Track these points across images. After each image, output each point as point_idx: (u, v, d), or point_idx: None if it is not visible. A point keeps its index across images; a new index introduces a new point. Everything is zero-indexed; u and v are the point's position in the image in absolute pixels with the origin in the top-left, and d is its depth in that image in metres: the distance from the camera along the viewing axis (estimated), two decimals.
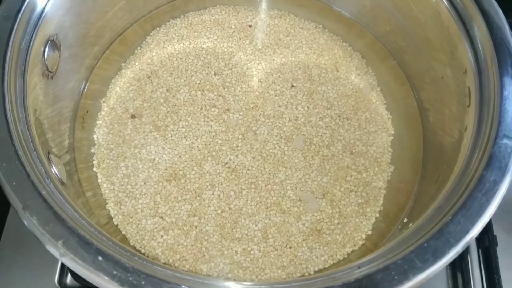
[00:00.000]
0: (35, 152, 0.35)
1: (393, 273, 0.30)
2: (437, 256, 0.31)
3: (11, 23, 0.38)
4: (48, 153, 0.40)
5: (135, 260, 0.31)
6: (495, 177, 0.33)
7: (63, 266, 0.49)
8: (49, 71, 0.43)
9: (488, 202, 0.32)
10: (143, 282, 0.29)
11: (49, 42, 0.42)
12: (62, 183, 0.39)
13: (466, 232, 0.32)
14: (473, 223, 0.32)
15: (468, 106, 0.40)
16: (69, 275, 0.49)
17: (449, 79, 0.44)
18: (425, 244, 0.31)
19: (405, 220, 0.46)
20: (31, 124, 0.37)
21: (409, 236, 0.33)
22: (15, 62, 0.37)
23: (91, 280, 0.30)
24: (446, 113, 0.45)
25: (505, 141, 0.34)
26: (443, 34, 0.44)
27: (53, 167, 0.38)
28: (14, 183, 0.32)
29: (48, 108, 0.44)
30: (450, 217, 0.32)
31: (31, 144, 0.35)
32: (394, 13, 0.52)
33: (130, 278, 0.29)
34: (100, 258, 0.30)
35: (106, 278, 0.29)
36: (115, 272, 0.29)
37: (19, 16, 0.38)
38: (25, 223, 0.31)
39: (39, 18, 0.40)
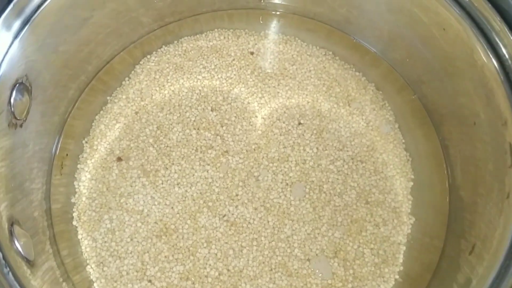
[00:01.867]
0: None
1: None
2: None
3: None
4: (12, 224, 0.33)
5: None
6: None
7: None
8: (17, 119, 0.37)
9: None
10: None
11: (16, 85, 0.36)
12: (27, 261, 0.33)
13: None
14: None
15: (510, 166, 0.33)
16: None
17: (483, 127, 0.38)
18: None
19: None
20: None
21: None
22: None
23: None
24: (479, 167, 0.39)
25: None
26: (476, 74, 0.38)
27: (16, 242, 0.32)
28: None
29: (16, 159, 0.38)
30: None
31: None
32: (415, 42, 0.46)
33: None
34: None
35: None
36: None
37: None
38: None
39: (2, 60, 0.34)
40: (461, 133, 0.43)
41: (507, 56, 0.35)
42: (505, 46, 0.35)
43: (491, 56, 0.36)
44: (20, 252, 0.32)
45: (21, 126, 0.37)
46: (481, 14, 0.36)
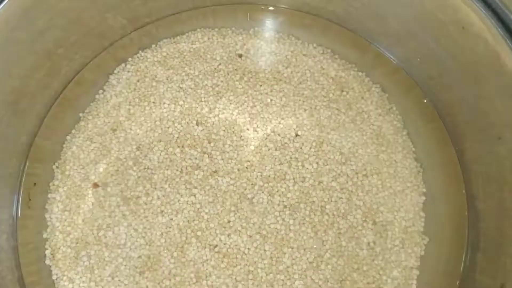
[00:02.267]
0: None
1: None
2: None
3: None
4: None
5: None
6: None
7: None
8: None
9: None
10: None
11: None
12: None
13: None
14: None
15: None
16: None
17: (510, 143, 0.33)
18: None
19: None
20: None
21: None
22: None
23: None
24: (504, 191, 0.34)
25: None
26: (502, 80, 0.32)
27: None
28: None
29: None
30: None
31: None
32: (427, 40, 0.40)
33: None
34: None
35: None
36: None
37: None
38: None
39: None
40: (482, 147, 0.37)
41: None
42: None
43: None
44: None
45: None
46: (508, 10, 0.30)
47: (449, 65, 0.38)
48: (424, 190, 0.42)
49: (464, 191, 0.42)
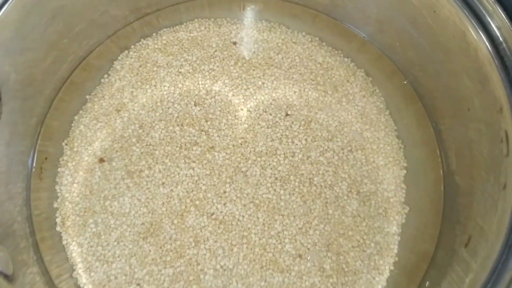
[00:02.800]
0: None
1: None
2: None
3: None
4: None
5: None
6: None
7: None
8: None
9: None
10: None
11: None
12: (6, 276, 0.31)
13: None
14: None
15: (506, 155, 0.32)
16: None
17: (477, 113, 0.37)
18: None
19: (427, 283, 0.39)
20: None
21: None
22: None
23: None
24: (474, 156, 0.38)
25: None
26: (470, 58, 0.36)
27: None
28: None
29: None
30: None
31: None
32: (405, 25, 0.44)
33: None
34: None
35: None
36: None
37: None
38: None
39: None
40: (455, 119, 0.41)
41: (501, 39, 0.33)
42: (498, 28, 0.33)
43: (484, 39, 0.34)
44: None
45: None
46: None
47: (424, 47, 0.42)
48: (405, 164, 0.46)
49: (441, 165, 0.45)
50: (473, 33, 0.34)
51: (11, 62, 0.37)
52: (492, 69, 0.33)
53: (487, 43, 0.33)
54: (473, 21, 0.34)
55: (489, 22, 0.33)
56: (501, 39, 0.32)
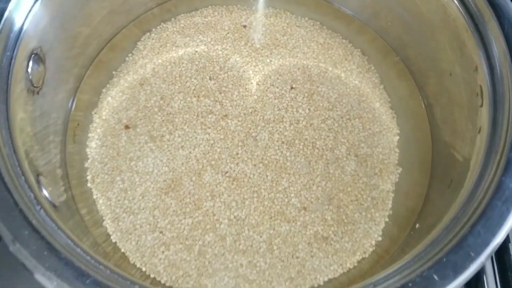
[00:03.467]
0: (23, 177, 0.33)
1: None
2: (457, 271, 0.29)
3: None
4: (38, 175, 0.37)
5: None
6: None
7: None
8: (35, 86, 0.41)
9: (508, 210, 0.30)
10: None
11: (32, 56, 0.40)
12: (54, 206, 0.37)
13: (487, 244, 0.30)
14: (493, 234, 0.30)
15: (481, 106, 0.37)
16: None
17: (458, 76, 0.42)
18: (444, 259, 0.29)
19: (417, 225, 0.44)
20: (18, 146, 0.35)
21: (425, 249, 0.31)
22: None
23: None
24: (455, 113, 0.43)
25: None
26: (450, 29, 0.42)
27: (43, 190, 0.36)
28: (2, 213, 0.30)
29: (36, 124, 0.41)
30: (469, 229, 0.30)
31: (18, 168, 0.33)
32: (395, 6, 0.50)
33: None
34: None
35: None
36: None
37: None
38: (16, 255, 0.29)
39: (19, 33, 0.37)
40: (440, 85, 0.47)
41: (474, 8, 0.39)
42: (473, 0, 0.39)
43: (461, 10, 0.40)
44: (47, 197, 0.36)
45: (38, 93, 0.41)
46: None
47: (411, 24, 0.48)
48: (398, 131, 0.51)
49: (429, 131, 0.51)
50: (452, 6, 0.40)
51: (54, 32, 0.42)
52: (468, 35, 0.39)
53: (463, 13, 0.39)
54: None
55: None
56: (474, 8, 0.38)
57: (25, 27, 0.38)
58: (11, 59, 0.36)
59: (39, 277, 0.29)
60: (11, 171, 0.32)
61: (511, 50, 0.35)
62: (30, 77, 0.40)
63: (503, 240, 0.30)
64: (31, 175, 0.34)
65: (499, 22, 0.36)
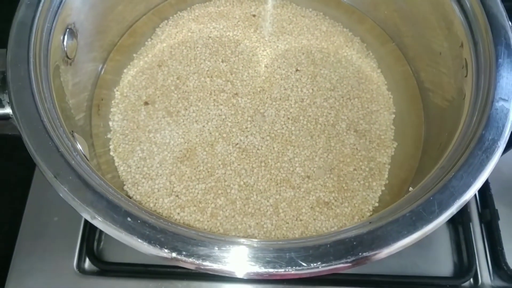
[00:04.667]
0: (61, 128, 0.37)
1: (402, 224, 0.32)
2: (442, 208, 0.33)
3: (34, 10, 0.40)
4: (72, 131, 0.42)
5: (161, 222, 0.33)
6: (493, 136, 0.36)
7: (81, 251, 0.51)
8: (68, 58, 0.45)
9: (488, 158, 0.35)
10: (171, 239, 0.31)
11: (67, 29, 0.45)
12: (86, 158, 0.41)
13: (469, 185, 0.34)
14: (474, 177, 0.34)
15: (466, 76, 0.42)
16: (87, 260, 0.51)
17: (447, 54, 0.47)
18: (431, 198, 0.34)
19: (410, 188, 0.48)
20: (56, 104, 0.39)
21: (415, 193, 0.35)
22: (39, 46, 0.40)
23: (122, 240, 0.32)
24: (445, 87, 0.48)
25: (501, 103, 0.37)
26: (439, 11, 0.47)
27: (78, 144, 0.41)
28: (45, 155, 0.34)
29: (68, 93, 0.46)
30: (453, 174, 0.35)
31: (57, 121, 0.37)
32: None
33: (159, 236, 0.31)
34: (129, 219, 0.32)
35: (136, 237, 0.31)
36: (144, 231, 0.32)
37: (41, 4, 0.41)
38: (57, 190, 0.34)
39: (58, 6, 0.42)
40: (432, 65, 0.51)
41: None
42: None
43: None
44: (81, 151, 0.40)
45: (71, 64, 0.46)
46: None
47: (406, 12, 0.53)
48: (394, 110, 0.56)
49: (422, 110, 0.55)
50: None
51: (86, 11, 0.48)
52: (455, 15, 0.44)
53: None
54: None
55: None
56: None
57: (63, 3, 0.43)
58: (51, 30, 0.41)
59: (78, 208, 0.33)
60: (52, 122, 0.36)
61: (492, 25, 0.40)
62: (65, 48, 0.44)
63: (483, 183, 0.34)
64: (67, 130, 0.39)
65: (481, 1, 0.41)
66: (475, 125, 0.37)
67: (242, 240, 0.33)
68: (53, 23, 0.42)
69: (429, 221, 0.33)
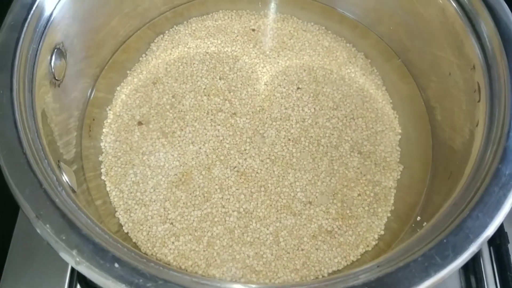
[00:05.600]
0: (46, 160, 0.35)
1: (413, 270, 0.30)
2: (457, 252, 0.30)
3: (18, 32, 0.38)
4: (58, 161, 0.39)
5: (152, 266, 0.30)
6: (511, 171, 0.33)
7: (72, 275, 0.48)
8: (56, 79, 0.43)
9: (505, 196, 0.32)
10: None
11: (55, 50, 0.42)
12: (73, 191, 0.39)
13: (485, 226, 0.31)
14: (491, 217, 0.32)
15: (478, 101, 0.39)
16: (78, 286, 0.48)
17: (457, 75, 0.44)
18: (444, 241, 0.31)
19: (419, 218, 0.46)
20: (41, 133, 0.37)
21: (426, 233, 0.33)
22: (23, 70, 0.37)
23: None
24: (455, 110, 0.45)
25: None
26: (448, 30, 0.44)
27: (64, 175, 0.38)
28: (26, 192, 0.32)
29: (55, 116, 0.44)
30: (467, 213, 0.32)
31: (42, 152, 0.35)
32: (397, 11, 0.52)
33: (149, 285, 0.29)
34: (116, 265, 0.30)
35: (124, 286, 0.29)
36: (132, 279, 0.29)
37: (26, 25, 0.38)
38: (39, 232, 0.31)
39: (45, 26, 0.40)
40: (440, 85, 0.49)
41: (471, 9, 0.41)
42: (469, 2, 0.41)
43: (458, 11, 0.42)
44: (67, 182, 0.38)
45: (59, 86, 0.43)
46: None
47: (412, 28, 0.50)
48: (400, 131, 0.53)
49: (429, 130, 0.53)
50: (450, 8, 0.43)
51: (76, 28, 0.45)
52: (466, 35, 0.41)
53: (461, 15, 0.42)
54: None
55: None
56: (471, 9, 0.41)
57: (51, 21, 0.40)
58: (37, 51, 0.39)
59: (61, 252, 0.30)
60: (35, 154, 0.34)
61: (507, 48, 0.37)
62: (53, 70, 0.42)
63: (500, 223, 0.32)
64: (53, 160, 0.36)
65: (495, 22, 0.38)
66: (490, 157, 0.35)
67: (238, 286, 0.30)
68: (39, 44, 0.39)
69: (443, 266, 0.30)
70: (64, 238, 0.31)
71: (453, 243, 0.31)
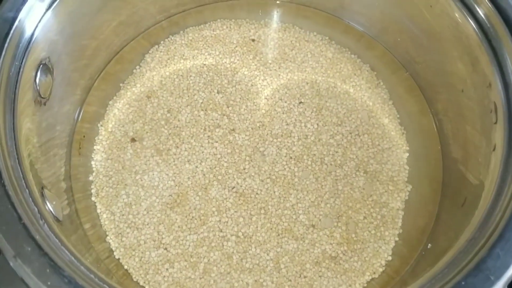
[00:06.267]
0: (27, 190, 0.32)
1: None
2: None
3: None
4: (42, 188, 0.36)
5: None
6: None
7: None
8: (42, 97, 0.40)
9: None
10: None
11: (41, 66, 0.39)
12: (57, 220, 0.36)
13: (507, 267, 0.29)
14: None
15: (495, 122, 0.37)
16: None
17: (470, 92, 0.42)
18: (463, 283, 0.28)
19: (429, 245, 0.43)
20: (23, 158, 0.34)
21: (442, 271, 0.30)
22: (4, 90, 0.34)
23: None
24: (468, 130, 0.42)
25: None
26: (462, 45, 0.41)
27: (47, 203, 0.35)
28: (4, 228, 0.29)
29: (41, 135, 0.41)
30: (487, 251, 0.29)
31: (23, 181, 0.32)
32: (405, 22, 0.49)
33: None
34: None
35: None
36: None
37: (7, 41, 0.35)
38: (17, 272, 0.28)
39: (29, 42, 0.37)
40: (451, 102, 0.46)
41: (488, 25, 0.38)
42: (486, 16, 0.38)
43: (474, 26, 0.39)
44: (51, 211, 0.35)
45: (45, 104, 0.41)
46: None
47: (421, 40, 0.48)
48: (407, 148, 0.50)
49: (439, 148, 0.50)
50: (465, 22, 0.40)
51: (63, 42, 0.42)
52: (482, 51, 0.38)
53: (476, 30, 0.39)
54: (463, 12, 0.40)
55: (478, 11, 0.38)
56: (488, 25, 0.38)
57: (34, 37, 0.38)
58: (20, 68, 0.36)
59: None
60: (15, 184, 0.31)
61: None
62: (38, 87, 0.39)
63: None
64: (36, 188, 0.34)
65: None
66: (510, 186, 0.32)
67: None
68: (22, 60, 0.37)
69: None
70: (44, 280, 0.28)
71: (472, 285, 0.28)
